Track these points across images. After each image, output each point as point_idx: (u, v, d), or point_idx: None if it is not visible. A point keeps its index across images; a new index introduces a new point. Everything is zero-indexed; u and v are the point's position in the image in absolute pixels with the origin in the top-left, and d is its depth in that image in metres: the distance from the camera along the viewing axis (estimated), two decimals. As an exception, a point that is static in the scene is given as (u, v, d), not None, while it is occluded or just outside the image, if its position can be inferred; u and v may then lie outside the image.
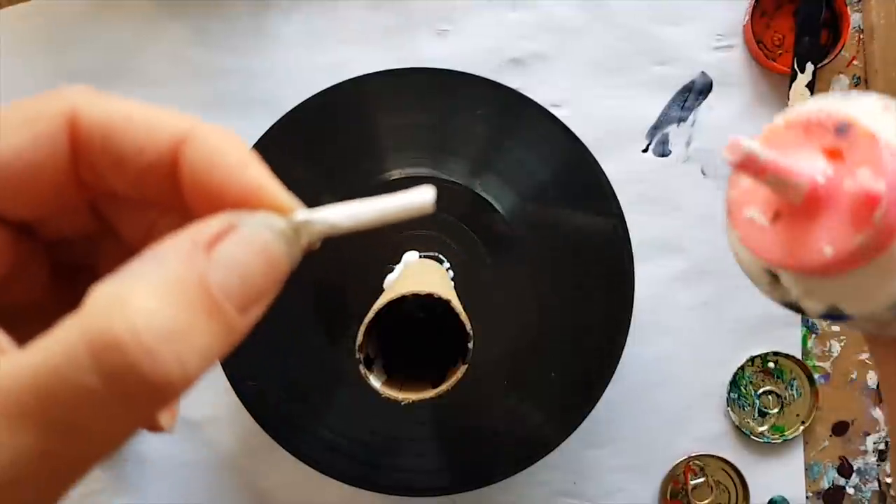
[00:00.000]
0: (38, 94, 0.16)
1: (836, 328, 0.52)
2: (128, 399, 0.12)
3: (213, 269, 0.13)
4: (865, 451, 0.52)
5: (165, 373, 0.12)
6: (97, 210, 0.17)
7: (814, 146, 0.19)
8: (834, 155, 0.19)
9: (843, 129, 0.19)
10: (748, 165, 0.18)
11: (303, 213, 0.15)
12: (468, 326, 0.34)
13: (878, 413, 0.52)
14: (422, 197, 0.16)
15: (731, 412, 0.51)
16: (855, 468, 0.52)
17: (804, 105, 0.21)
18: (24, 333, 0.14)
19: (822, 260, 0.19)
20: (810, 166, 0.19)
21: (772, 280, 0.21)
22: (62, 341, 0.12)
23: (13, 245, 0.16)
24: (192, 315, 0.13)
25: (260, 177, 0.15)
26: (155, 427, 0.17)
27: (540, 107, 0.46)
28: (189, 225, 0.14)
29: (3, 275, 0.16)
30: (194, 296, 0.13)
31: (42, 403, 0.12)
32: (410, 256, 0.44)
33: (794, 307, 0.21)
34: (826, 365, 0.52)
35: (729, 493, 0.51)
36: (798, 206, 0.19)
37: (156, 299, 0.13)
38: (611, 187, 0.46)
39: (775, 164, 0.18)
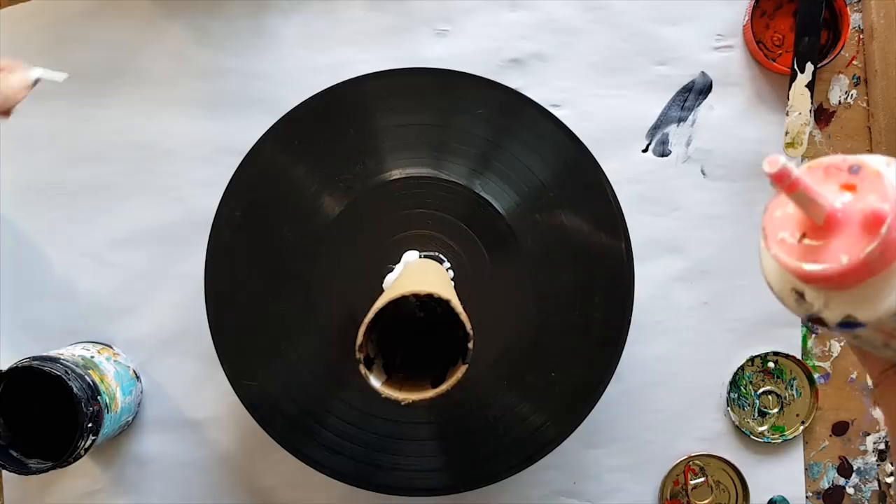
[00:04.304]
0: None
1: (836, 328, 0.52)
2: None
3: None
4: (865, 451, 0.52)
5: None
6: None
7: (832, 183, 0.25)
8: (848, 188, 0.25)
9: (855, 169, 0.25)
10: (783, 178, 0.23)
11: None
12: (468, 326, 0.34)
13: (878, 413, 0.52)
14: None
15: (731, 412, 0.51)
16: (855, 468, 0.52)
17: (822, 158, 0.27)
18: None
19: (839, 267, 0.23)
20: (831, 195, 0.24)
21: (798, 297, 0.26)
22: None
23: None
24: None
25: None
26: None
27: (540, 107, 0.46)
28: None
29: None
30: None
31: None
32: (410, 256, 0.44)
33: (817, 319, 0.26)
34: (826, 365, 0.52)
35: (729, 493, 0.51)
36: (820, 226, 0.24)
37: None
38: (611, 187, 0.46)
39: (804, 182, 0.23)
